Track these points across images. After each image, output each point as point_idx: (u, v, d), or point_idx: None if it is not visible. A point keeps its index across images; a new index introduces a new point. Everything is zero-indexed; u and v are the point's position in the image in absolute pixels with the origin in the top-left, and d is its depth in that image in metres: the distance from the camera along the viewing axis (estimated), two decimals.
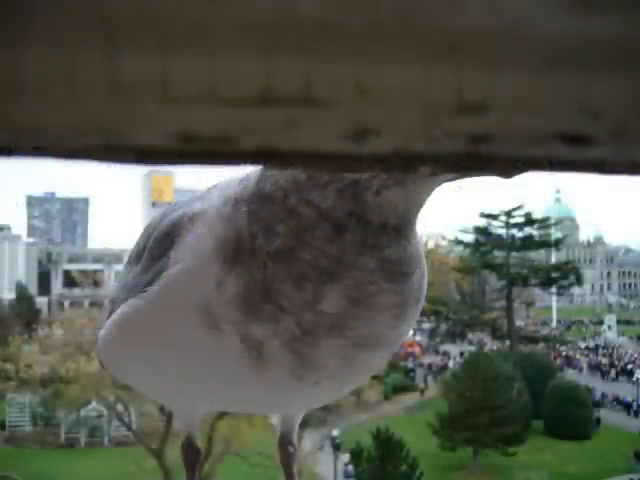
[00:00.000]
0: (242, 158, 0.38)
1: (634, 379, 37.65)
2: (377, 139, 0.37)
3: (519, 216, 44.64)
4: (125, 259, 1.31)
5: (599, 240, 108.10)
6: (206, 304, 0.99)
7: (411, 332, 1.15)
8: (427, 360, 44.61)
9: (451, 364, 41.67)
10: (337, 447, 22.98)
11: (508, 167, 0.40)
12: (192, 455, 1.38)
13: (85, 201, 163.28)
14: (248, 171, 1.06)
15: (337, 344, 0.97)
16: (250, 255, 0.96)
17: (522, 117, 0.37)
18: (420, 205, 0.96)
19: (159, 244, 1.11)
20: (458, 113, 0.37)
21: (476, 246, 44.59)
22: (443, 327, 48.62)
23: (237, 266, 0.96)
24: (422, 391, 36.36)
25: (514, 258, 44.35)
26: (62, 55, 0.35)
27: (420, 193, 0.93)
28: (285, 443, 1.37)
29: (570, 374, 39.60)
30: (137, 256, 1.20)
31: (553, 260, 55.90)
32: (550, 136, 0.38)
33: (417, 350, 44.61)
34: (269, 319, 0.96)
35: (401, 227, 0.95)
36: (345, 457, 23.15)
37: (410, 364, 41.64)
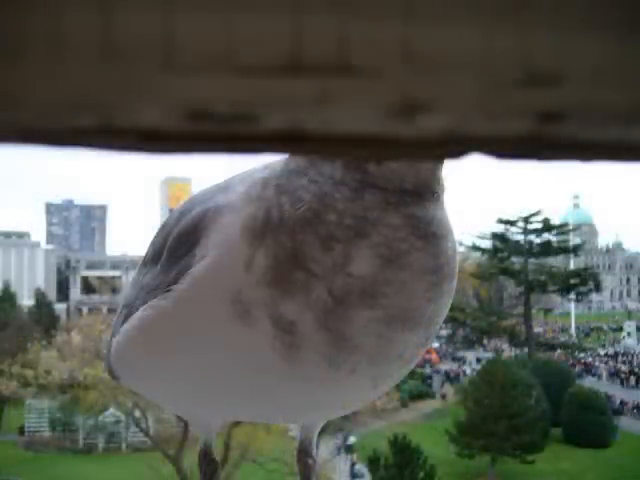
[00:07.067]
0: (263, 141, 0.32)
1: None
2: (426, 116, 0.31)
3: (537, 222, 44.35)
4: None
5: (618, 246, 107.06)
6: (236, 291, 0.97)
7: None
8: (444, 367, 44.37)
9: (468, 371, 41.40)
10: (350, 450, 23.10)
11: (585, 152, 0.33)
12: (210, 467, 1.35)
13: (103, 208, 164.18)
14: (270, 160, 1.06)
15: (371, 317, 0.95)
16: (279, 224, 0.96)
17: (603, 91, 0.31)
18: (433, 170, 0.96)
19: (182, 242, 1.08)
20: (526, 85, 0.31)
21: (494, 252, 44.32)
22: (460, 334, 48.32)
23: (266, 239, 0.96)
24: (443, 396, 36.27)
25: (532, 264, 44.00)
26: (46, 11, 0.29)
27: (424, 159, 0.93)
28: (304, 455, 1.35)
29: (589, 381, 39.17)
30: (154, 257, 1.17)
31: (572, 266, 55.41)
32: (637, 114, 0.31)
33: (434, 357, 44.37)
34: (300, 289, 0.95)
35: (420, 190, 0.96)
36: (353, 457, 23.31)
37: (427, 371, 41.45)
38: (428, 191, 0.96)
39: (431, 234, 0.96)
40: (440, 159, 0.87)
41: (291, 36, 0.29)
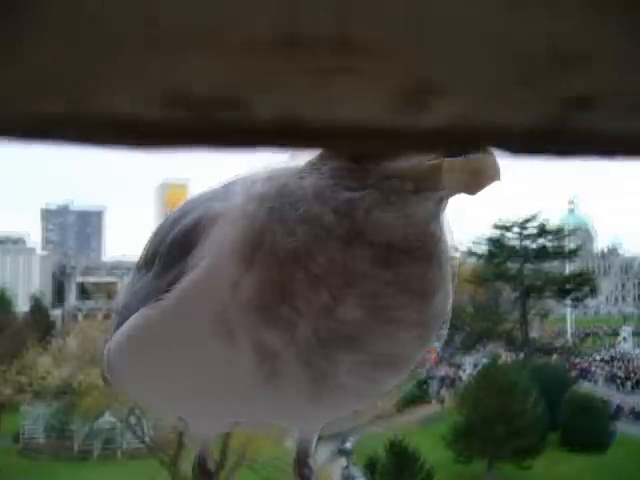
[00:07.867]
0: (254, 132, 0.27)
1: None
2: (440, 102, 0.28)
3: (533, 227, 44.44)
4: None
5: (614, 250, 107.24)
6: (221, 308, 0.96)
7: None
8: (441, 371, 44.36)
9: (466, 375, 41.41)
10: (347, 454, 23.17)
11: (614, 143, 0.30)
12: (205, 476, 1.34)
13: (99, 213, 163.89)
14: (272, 165, 1.04)
15: (355, 360, 0.94)
16: (269, 253, 0.94)
17: (630, 75, 0.28)
18: (427, 225, 0.92)
19: (176, 247, 1.06)
20: (550, 68, 0.28)
21: (490, 257, 44.37)
22: (457, 338, 48.33)
23: (255, 264, 0.94)
24: (441, 401, 36.26)
25: (528, 269, 44.08)
26: None
27: (417, 213, 0.90)
28: (303, 461, 1.34)
29: (586, 386, 39.18)
30: (147, 262, 1.16)
31: (568, 271, 55.48)
32: None
33: (433, 357, 44.31)
34: (284, 323, 0.93)
35: (411, 248, 0.92)
36: (350, 461, 23.41)
37: (424, 374, 41.43)
38: (418, 248, 0.93)
39: (419, 292, 0.94)
40: (456, 147, 0.80)
41: (286, 11, 0.25)
